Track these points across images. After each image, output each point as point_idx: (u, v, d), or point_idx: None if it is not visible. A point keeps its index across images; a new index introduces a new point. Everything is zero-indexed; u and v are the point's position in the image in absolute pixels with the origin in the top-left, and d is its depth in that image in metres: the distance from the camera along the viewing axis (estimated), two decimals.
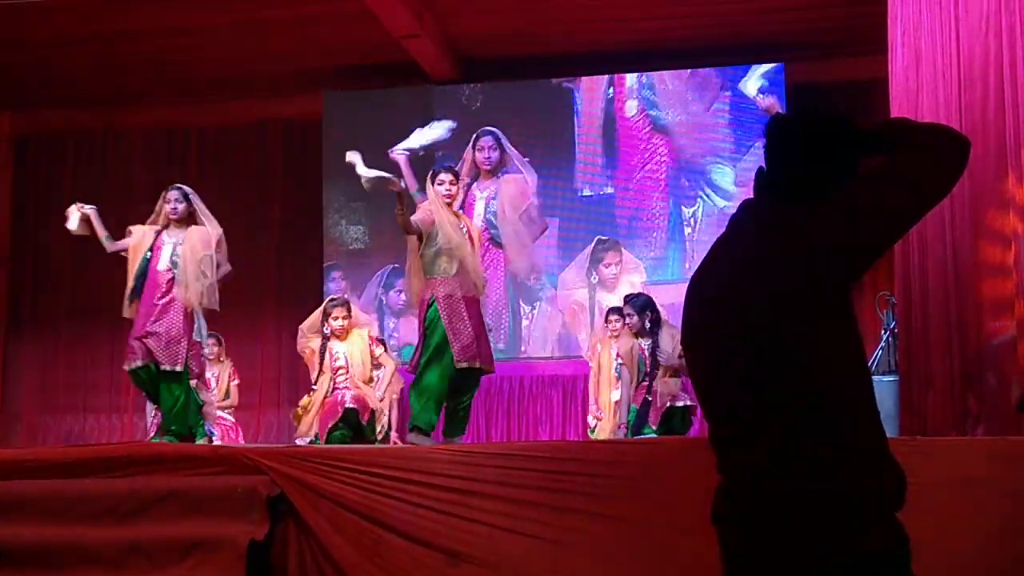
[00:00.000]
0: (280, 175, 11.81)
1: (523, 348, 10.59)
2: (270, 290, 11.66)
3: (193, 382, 7.71)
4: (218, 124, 11.97)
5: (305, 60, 10.94)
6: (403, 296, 10.77)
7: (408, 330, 10.70)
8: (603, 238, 10.56)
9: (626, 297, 8.38)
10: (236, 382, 9.74)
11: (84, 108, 11.88)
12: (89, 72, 11.17)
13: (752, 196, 2.60)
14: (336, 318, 8.34)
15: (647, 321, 7.99)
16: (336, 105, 11.25)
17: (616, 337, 8.36)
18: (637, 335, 8.04)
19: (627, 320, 8.06)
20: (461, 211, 7.43)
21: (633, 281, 10.09)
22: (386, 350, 9.00)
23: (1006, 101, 6.43)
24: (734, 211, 2.62)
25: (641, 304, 8.10)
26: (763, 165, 2.57)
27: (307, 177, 11.44)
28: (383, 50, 10.43)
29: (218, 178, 11.86)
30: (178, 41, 10.47)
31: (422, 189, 7.32)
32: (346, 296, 9.48)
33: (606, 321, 8.58)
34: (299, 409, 8.33)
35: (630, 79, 10.85)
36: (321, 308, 8.63)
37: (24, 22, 9.89)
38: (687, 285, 2.62)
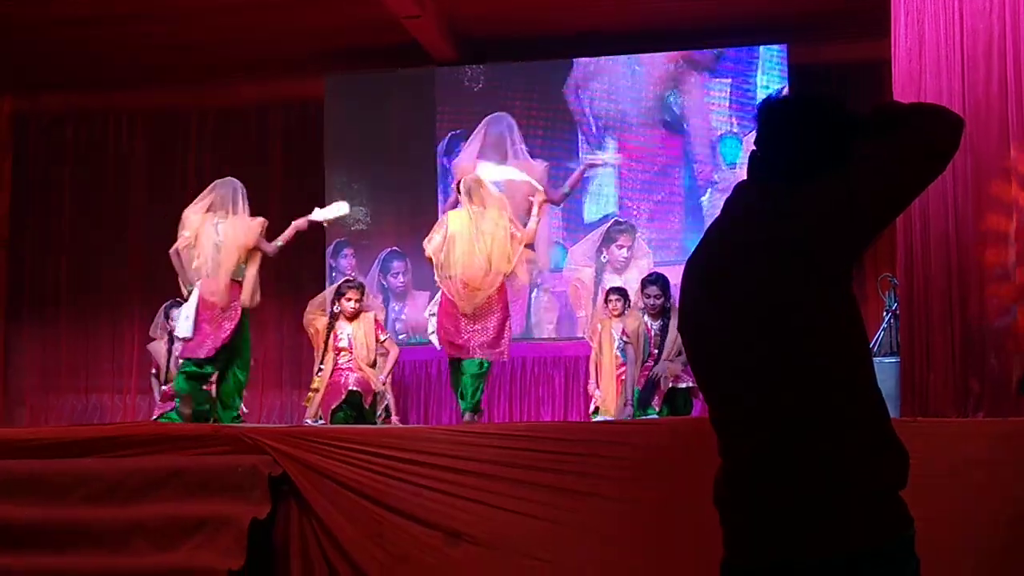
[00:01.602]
0: (281, 157, 11.78)
1: (525, 329, 10.56)
2: (271, 271, 11.63)
3: None
4: (219, 106, 11.95)
5: (306, 41, 10.91)
6: (401, 278, 10.77)
7: (415, 312, 10.69)
8: (620, 220, 10.53)
9: (647, 278, 8.32)
10: None
11: (84, 90, 11.86)
12: (89, 54, 11.14)
13: (746, 179, 2.60)
14: (350, 299, 8.34)
15: (668, 301, 8.01)
16: (337, 87, 11.23)
17: (618, 316, 8.35)
18: (655, 315, 8.03)
19: (653, 300, 8.01)
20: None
21: (641, 266, 10.08)
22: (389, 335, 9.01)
23: (1009, 81, 6.44)
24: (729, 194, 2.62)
25: (666, 284, 8.09)
26: (756, 148, 2.57)
27: (308, 158, 11.43)
28: (385, 31, 10.40)
29: (218, 160, 11.84)
30: (179, 23, 10.44)
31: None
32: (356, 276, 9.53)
33: (606, 301, 8.57)
34: (311, 392, 8.34)
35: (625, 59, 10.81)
36: (334, 287, 8.63)
37: (24, 4, 9.87)
38: (684, 268, 2.61)
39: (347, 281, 8.66)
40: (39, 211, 12.16)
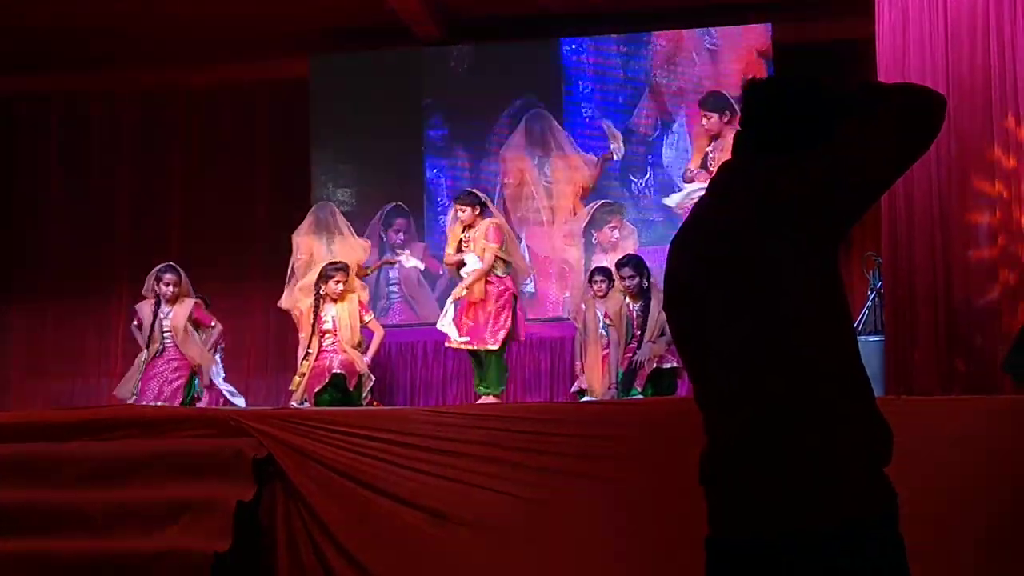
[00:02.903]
0: (267, 137, 11.73)
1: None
2: (257, 253, 11.61)
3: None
4: (204, 86, 11.88)
5: (292, 21, 10.85)
6: (402, 235, 10.79)
7: (409, 268, 10.70)
8: (608, 202, 10.50)
9: (623, 259, 8.36)
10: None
11: (70, 71, 11.76)
12: (76, 35, 11.05)
13: (731, 158, 2.60)
14: (339, 282, 8.34)
15: (645, 280, 8.06)
16: (323, 68, 11.18)
17: (602, 297, 8.36)
18: (636, 296, 8.07)
19: (628, 281, 8.07)
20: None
21: (626, 247, 10.10)
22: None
23: (992, 57, 6.45)
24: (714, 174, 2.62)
25: (640, 264, 8.15)
26: (740, 128, 2.58)
27: (294, 139, 11.38)
28: (371, 11, 10.35)
29: (204, 140, 11.81)
30: (164, 3, 10.38)
31: None
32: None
33: (591, 282, 8.58)
34: (297, 377, 8.33)
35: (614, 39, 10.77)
36: (319, 269, 8.61)
37: None
38: (668, 247, 2.61)
39: (332, 264, 8.64)
40: (26, 193, 12.11)
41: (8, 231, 12.06)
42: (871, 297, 7.61)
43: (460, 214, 8.50)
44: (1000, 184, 6.44)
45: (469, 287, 8.27)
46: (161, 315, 8.41)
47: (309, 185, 11.05)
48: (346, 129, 11.05)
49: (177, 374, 8.29)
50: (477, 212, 8.47)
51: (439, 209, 10.80)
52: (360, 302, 8.57)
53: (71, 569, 5.53)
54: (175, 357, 8.34)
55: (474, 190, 8.97)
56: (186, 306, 8.46)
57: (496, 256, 8.32)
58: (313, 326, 8.32)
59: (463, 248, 8.48)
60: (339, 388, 8.11)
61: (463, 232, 8.51)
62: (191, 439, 5.96)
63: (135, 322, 8.65)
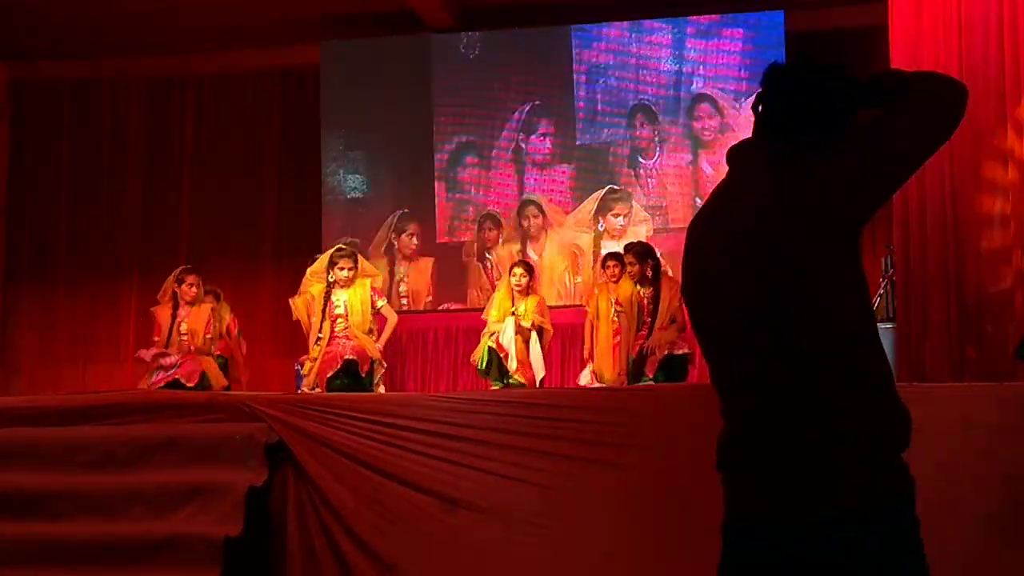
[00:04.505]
0: (277, 124, 11.72)
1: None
2: (268, 240, 11.63)
3: None
4: (215, 73, 11.88)
5: (302, 8, 10.85)
6: (415, 240, 10.81)
7: (417, 277, 10.72)
8: (615, 188, 10.49)
9: (627, 246, 8.39)
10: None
11: (81, 57, 11.79)
12: (86, 20, 11.06)
13: (750, 140, 2.59)
14: (343, 268, 8.31)
15: (649, 268, 8.06)
16: (334, 54, 11.18)
17: (615, 282, 8.36)
18: (639, 283, 8.08)
19: (629, 267, 8.08)
20: None
21: (639, 232, 10.08)
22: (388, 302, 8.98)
23: (1005, 43, 6.42)
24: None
25: (643, 251, 8.15)
26: (760, 111, 2.56)
27: (305, 126, 11.38)
28: None
29: (215, 127, 11.81)
30: None
31: None
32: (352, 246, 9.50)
33: (603, 267, 8.58)
34: (309, 361, 8.32)
35: (625, 26, 10.75)
36: (327, 255, 8.58)
37: None
38: (687, 229, 2.60)
39: (339, 249, 8.61)
40: (37, 180, 12.13)
41: (19, 217, 12.09)
42: (883, 285, 7.59)
43: (522, 280, 8.61)
44: (1012, 172, 6.42)
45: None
46: (179, 317, 8.43)
47: (319, 172, 11.06)
48: (356, 116, 11.05)
49: (193, 364, 8.33)
50: (529, 281, 8.70)
51: (450, 202, 10.81)
52: (373, 287, 8.54)
53: (82, 553, 5.54)
54: (191, 355, 8.39)
55: (529, 262, 9.23)
56: (203, 310, 8.49)
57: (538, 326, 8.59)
58: (324, 311, 8.31)
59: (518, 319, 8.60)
60: (351, 374, 8.10)
61: (512, 303, 8.64)
62: (202, 424, 5.97)
63: (155, 338, 8.61)
